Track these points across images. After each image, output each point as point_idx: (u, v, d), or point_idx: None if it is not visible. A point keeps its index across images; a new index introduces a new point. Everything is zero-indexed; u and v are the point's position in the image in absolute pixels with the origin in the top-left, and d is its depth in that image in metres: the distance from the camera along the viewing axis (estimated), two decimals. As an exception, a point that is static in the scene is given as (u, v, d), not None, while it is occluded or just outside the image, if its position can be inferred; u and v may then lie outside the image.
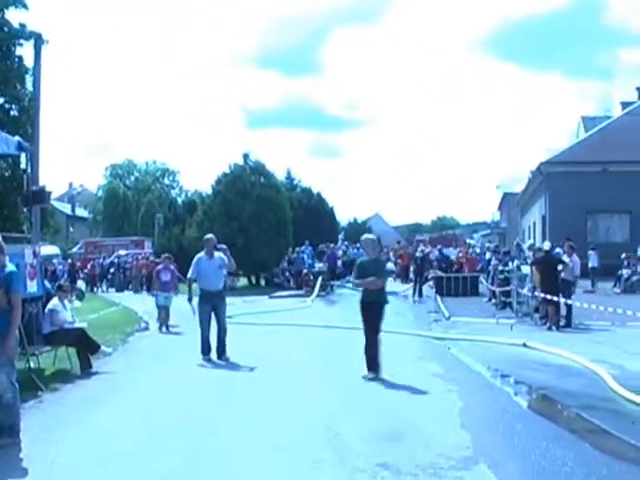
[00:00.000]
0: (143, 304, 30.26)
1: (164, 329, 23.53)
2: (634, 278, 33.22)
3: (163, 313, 23.92)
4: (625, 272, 33.65)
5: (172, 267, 25.16)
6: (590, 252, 32.71)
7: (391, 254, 52.98)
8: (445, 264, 41.66)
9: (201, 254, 17.41)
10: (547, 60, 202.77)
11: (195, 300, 17.37)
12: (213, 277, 17.13)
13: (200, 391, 13.22)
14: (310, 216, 59.85)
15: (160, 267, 25.32)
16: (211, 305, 17.03)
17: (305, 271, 41.90)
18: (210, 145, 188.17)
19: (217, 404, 12.10)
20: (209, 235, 17.98)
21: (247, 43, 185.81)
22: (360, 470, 8.18)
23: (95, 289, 50.92)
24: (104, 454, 9.02)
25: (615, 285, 33.65)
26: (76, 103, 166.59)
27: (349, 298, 34.12)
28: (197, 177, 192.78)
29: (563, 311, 21.69)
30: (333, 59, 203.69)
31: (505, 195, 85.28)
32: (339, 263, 48.54)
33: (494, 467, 8.26)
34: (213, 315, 17.03)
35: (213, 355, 16.94)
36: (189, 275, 17.59)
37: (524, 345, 17.73)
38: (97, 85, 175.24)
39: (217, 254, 17.28)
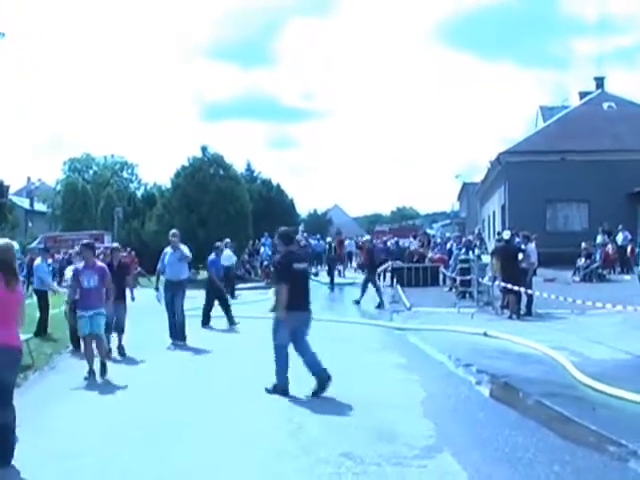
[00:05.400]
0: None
1: (98, 378, 13.83)
2: (593, 266, 33.44)
3: (94, 344, 14.15)
4: (583, 261, 33.82)
5: (100, 264, 14.99)
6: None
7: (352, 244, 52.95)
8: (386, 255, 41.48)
9: (168, 247, 18.89)
10: (503, 50, 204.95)
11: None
12: (173, 268, 18.57)
13: (161, 386, 13.14)
14: (270, 208, 59.88)
15: (80, 266, 14.73)
16: (171, 293, 18.41)
17: (266, 263, 41.73)
18: (167, 138, 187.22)
19: (178, 399, 12.00)
20: (172, 230, 19.48)
21: (201, 35, 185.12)
22: (324, 461, 8.19)
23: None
24: (65, 451, 8.95)
25: (574, 274, 33.83)
26: (33, 97, 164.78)
27: (313, 289, 34.16)
28: (155, 170, 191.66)
29: (524, 300, 21.76)
30: (288, 50, 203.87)
31: (464, 185, 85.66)
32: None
33: (458, 455, 8.30)
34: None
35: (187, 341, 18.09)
36: (158, 267, 19.06)
37: (485, 334, 17.81)
38: (53, 79, 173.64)
39: (183, 247, 18.80)
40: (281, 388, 11.86)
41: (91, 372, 13.81)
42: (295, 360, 12.63)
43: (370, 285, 27.57)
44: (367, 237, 34.60)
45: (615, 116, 46.29)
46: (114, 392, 12.79)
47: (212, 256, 22.38)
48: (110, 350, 15.91)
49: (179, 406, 11.40)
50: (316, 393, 11.67)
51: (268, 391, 11.86)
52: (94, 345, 14.11)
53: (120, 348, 16.56)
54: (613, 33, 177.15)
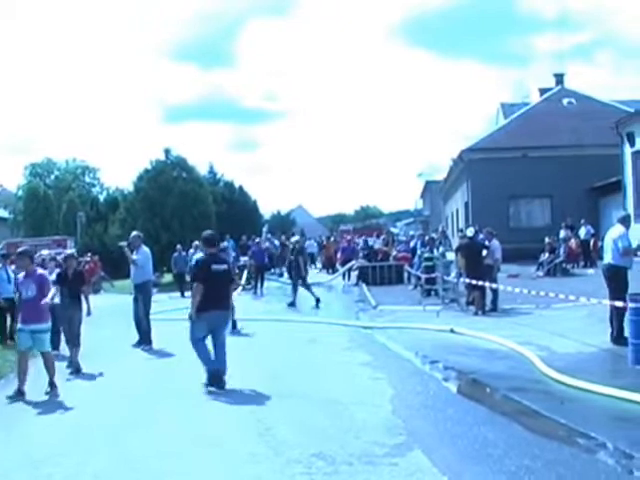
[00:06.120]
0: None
1: (45, 395, 12.76)
2: (557, 261, 33.66)
3: (43, 362, 13.16)
4: (547, 256, 34.01)
5: (40, 271, 13.72)
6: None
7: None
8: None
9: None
10: (463, 48, 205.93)
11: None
12: (133, 271, 18.54)
13: (127, 390, 13.05)
14: (233, 210, 59.80)
15: (21, 277, 13.59)
16: (134, 296, 18.51)
17: (231, 265, 41.54)
18: (128, 141, 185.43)
19: (145, 403, 11.95)
20: (133, 232, 19.56)
21: (162, 37, 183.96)
22: (295, 461, 8.17)
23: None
24: (34, 457, 8.92)
25: (538, 269, 34.01)
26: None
27: (275, 291, 34.11)
28: (116, 174, 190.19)
29: (489, 296, 21.84)
30: (249, 51, 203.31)
31: (427, 183, 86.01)
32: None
33: (428, 452, 8.31)
34: None
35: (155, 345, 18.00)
36: None
37: (451, 331, 17.84)
38: (12, 83, 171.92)
39: (145, 249, 18.59)
40: (213, 377, 12.57)
41: (19, 392, 12.55)
42: (266, 358, 12.66)
43: (301, 282, 27.63)
44: (296, 237, 34.95)
45: (575, 112, 46.64)
46: (80, 398, 12.67)
47: None
48: (70, 364, 15.29)
49: (146, 411, 11.35)
50: (207, 385, 12.51)
51: (206, 385, 12.51)
52: (38, 361, 13.26)
53: (75, 364, 15.14)
54: (572, 30, 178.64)
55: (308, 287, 27.44)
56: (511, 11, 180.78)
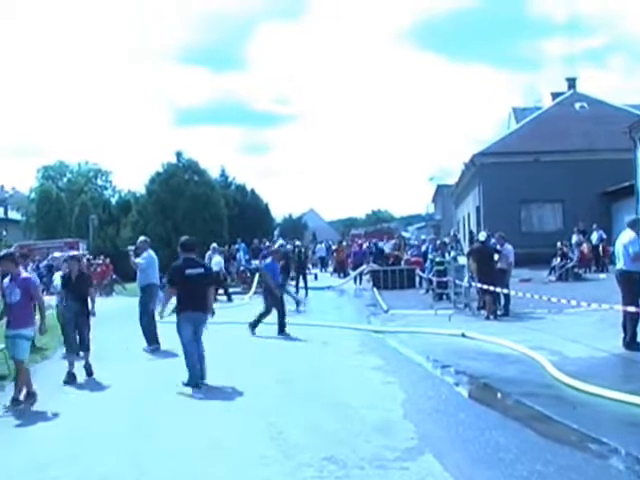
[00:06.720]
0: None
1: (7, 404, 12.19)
2: (568, 266, 33.57)
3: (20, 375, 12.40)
4: (559, 260, 33.95)
5: (25, 274, 13.19)
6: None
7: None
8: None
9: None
10: (474, 52, 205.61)
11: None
12: (138, 275, 18.72)
13: (134, 392, 13.06)
14: (245, 213, 59.73)
15: (6, 281, 12.62)
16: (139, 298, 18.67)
17: (242, 268, 41.66)
18: (140, 144, 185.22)
19: (153, 405, 11.94)
20: (140, 237, 19.83)
21: (173, 40, 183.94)
22: (306, 465, 8.16)
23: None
24: (41, 460, 8.92)
25: (550, 273, 33.95)
26: (3, 104, 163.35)
27: (286, 296, 34.07)
28: (128, 177, 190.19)
29: (501, 300, 21.78)
30: (260, 54, 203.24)
31: (439, 187, 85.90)
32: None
33: (440, 457, 8.29)
34: None
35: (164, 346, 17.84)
36: None
37: (463, 335, 17.80)
38: (24, 86, 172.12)
39: (150, 253, 18.71)
40: (194, 381, 13.03)
41: (28, 395, 12.25)
42: (277, 361, 12.61)
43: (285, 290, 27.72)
44: (281, 241, 35.13)
45: (587, 116, 46.56)
46: (87, 401, 12.72)
47: (268, 261, 22.06)
48: (74, 376, 14.54)
49: (153, 413, 11.34)
50: (187, 384, 12.98)
51: (184, 384, 13.03)
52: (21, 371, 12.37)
53: (87, 367, 14.95)
54: (583, 34, 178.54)
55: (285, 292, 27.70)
56: (522, 15, 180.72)
